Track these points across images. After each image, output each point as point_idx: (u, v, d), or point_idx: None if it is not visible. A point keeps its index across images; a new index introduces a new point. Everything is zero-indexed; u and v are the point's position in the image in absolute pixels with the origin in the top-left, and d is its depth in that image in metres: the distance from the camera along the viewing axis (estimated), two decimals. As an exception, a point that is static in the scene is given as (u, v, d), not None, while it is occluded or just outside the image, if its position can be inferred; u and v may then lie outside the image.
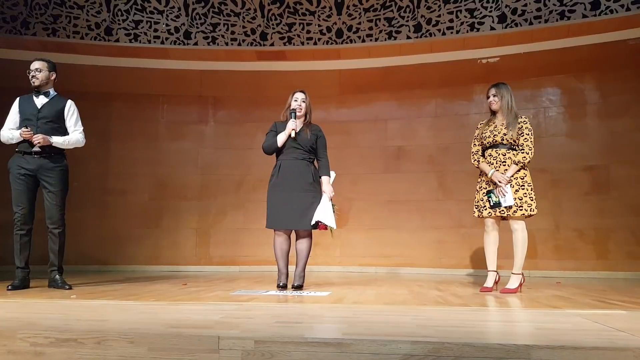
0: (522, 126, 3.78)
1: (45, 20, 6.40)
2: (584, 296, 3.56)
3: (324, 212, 3.84)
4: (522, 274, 3.81)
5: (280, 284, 3.89)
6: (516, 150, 3.77)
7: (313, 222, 3.84)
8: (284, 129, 3.97)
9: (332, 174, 4.03)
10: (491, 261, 3.88)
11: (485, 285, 3.85)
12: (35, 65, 3.91)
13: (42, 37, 6.35)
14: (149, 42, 6.57)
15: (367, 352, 1.74)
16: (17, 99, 3.94)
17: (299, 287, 3.88)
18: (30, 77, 3.90)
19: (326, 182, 3.98)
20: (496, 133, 3.81)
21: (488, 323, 2.44)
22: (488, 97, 3.93)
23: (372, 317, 2.43)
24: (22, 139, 3.78)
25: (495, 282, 3.89)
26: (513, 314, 2.77)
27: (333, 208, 3.91)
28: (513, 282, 3.77)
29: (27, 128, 3.77)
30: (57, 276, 3.86)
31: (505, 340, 1.77)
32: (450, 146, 6.36)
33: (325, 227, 3.84)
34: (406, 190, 6.56)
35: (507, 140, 3.77)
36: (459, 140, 6.05)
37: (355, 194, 6.70)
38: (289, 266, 3.99)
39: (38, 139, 3.76)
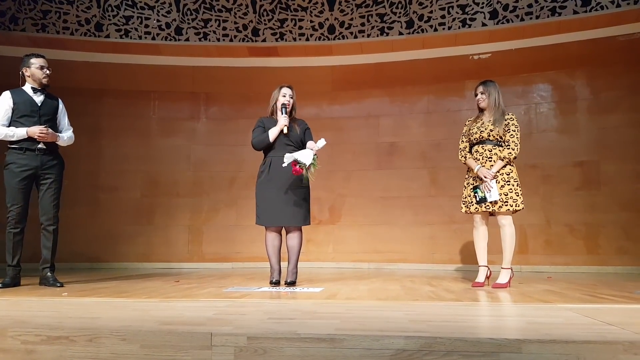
0: (508, 123, 3.82)
1: (35, 15, 6.33)
2: (575, 291, 3.59)
3: (302, 153, 3.72)
4: (512, 269, 3.85)
5: (273, 281, 3.89)
6: (502, 147, 3.81)
7: (287, 162, 3.69)
8: (271, 124, 3.95)
9: (322, 141, 3.83)
10: (482, 256, 3.92)
11: (476, 280, 3.88)
12: (46, 63, 3.89)
13: (31, 32, 6.28)
14: (140, 38, 6.52)
15: (359, 348, 1.74)
16: (7, 93, 3.81)
17: (292, 284, 3.88)
18: (44, 75, 3.85)
19: (312, 143, 3.85)
20: (483, 129, 3.85)
21: (480, 318, 2.45)
22: (476, 95, 3.97)
23: (364, 313, 2.43)
24: (25, 137, 3.72)
25: (487, 277, 3.92)
26: (504, 308, 2.79)
27: (314, 158, 3.72)
28: (503, 277, 3.81)
29: (45, 127, 3.74)
30: (49, 274, 3.83)
31: (497, 335, 1.79)
32: (443, 142, 6.38)
33: (301, 170, 3.68)
34: (398, 187, 6.58)
35: (494, 137, 3.81)
36: (451, 136, 6.06)
37: (348, 190, 6.72)
38: (281, 262, 3.99)
39: (49, 135, 3.76)
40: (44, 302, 2.87)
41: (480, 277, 3.88)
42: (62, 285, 3.75)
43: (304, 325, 2.02)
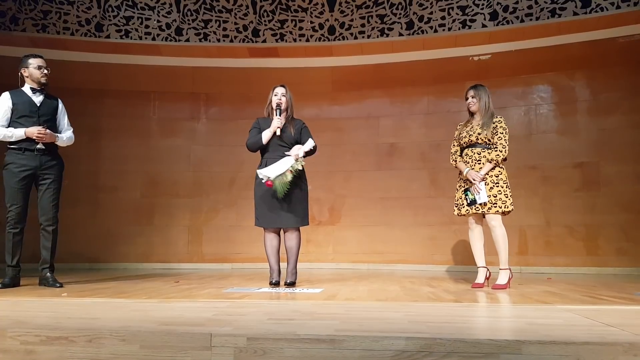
0: (496, 125, 3.86)
1: (35, 16, 6.34)
2: (575, 292, 3.59)
3: (271, 167, 3.75)
4: (510, 270, 3.86)
5: (273, 281, 3.89)
6: (491, 149, 3.82)
7: (262, 178, 3.74)
8: (266, 125, 3.95)
9: (310, 142, 3.86)
10: (479, 257, 3.94)
11: (476, 281, 3.89)
12: (45, 63, 3.88)
13: (31, 33, 6.28)
14: (140, 38, 6.52)
15: (359, 349, 1.74)
16: (6, 94, 3.82)
17: (292, 284, 3.88)
18: (42, 74, 3.85)
19: (296, 147, 3.86)
20: (472, 133, 3.89)
21: (479, 319, 2.45)
22: (467, 99, 4.01)
23: (364, 314, 2.43)
24: (23, 138, 3.72)
25: (486, 278, 3.93)
26: (504, 309, 2.79)
27: (294, 165, 3.75)
28: (502, 278, 3.82)
29: (43, 127, 3.74)
30: (49, 274, 3.83)
31: (497, 336, 1.79)
32: (442, 143, 6.35)
33: (271, 183, 3.73)
34: (398, 187, 6.58)
35: (482, 140, 3.85)
36: (451, 137, 5.96)
37: (348, 191, 6.72)
38: (280, 263, 3.99)
39: (47, 135, 3.75)
40: (44, 303, 2.87)
41: (480, 278, 3.89)
42: (61, 286, 3.75)
43: (303, 326, 2.02)
